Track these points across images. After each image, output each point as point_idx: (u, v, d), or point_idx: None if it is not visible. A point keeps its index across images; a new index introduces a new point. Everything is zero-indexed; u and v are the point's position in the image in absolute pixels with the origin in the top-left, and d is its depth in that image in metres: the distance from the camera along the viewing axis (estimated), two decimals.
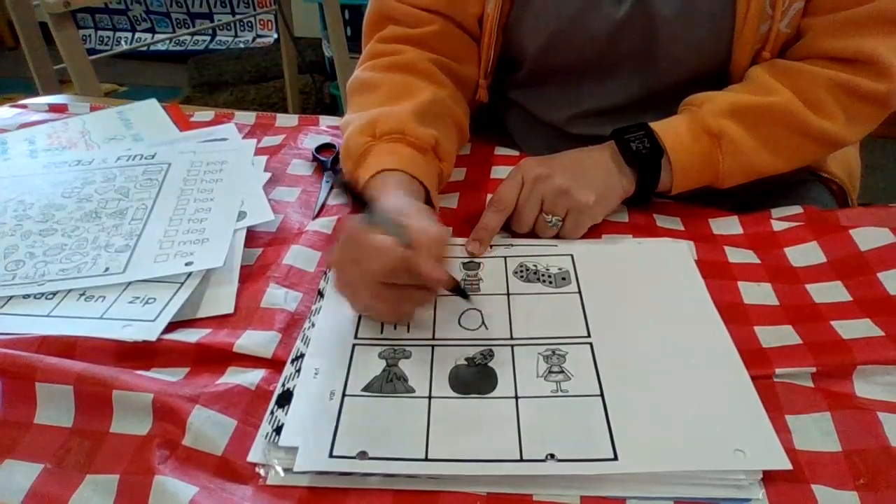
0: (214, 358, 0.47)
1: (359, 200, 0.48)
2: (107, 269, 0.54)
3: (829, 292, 0.52)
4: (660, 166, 0.59)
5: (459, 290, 0.49)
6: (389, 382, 0.44)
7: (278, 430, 0.41)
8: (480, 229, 0.57)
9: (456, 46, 0.70)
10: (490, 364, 0.46)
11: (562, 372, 0.45)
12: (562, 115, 0.73)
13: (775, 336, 0.48)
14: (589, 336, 0.48)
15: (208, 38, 3.03)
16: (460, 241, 0.59)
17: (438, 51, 0.68)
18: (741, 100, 0.59)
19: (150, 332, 0.48)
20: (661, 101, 0.66)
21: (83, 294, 0.52)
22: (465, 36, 0.70)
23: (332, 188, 0.67)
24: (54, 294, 0.52)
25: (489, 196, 0.65)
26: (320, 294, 0.52)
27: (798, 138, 0.60)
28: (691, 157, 0.59)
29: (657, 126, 0.60)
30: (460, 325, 0.49)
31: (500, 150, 0.73)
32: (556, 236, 0.59)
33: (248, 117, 0.81)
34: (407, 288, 0.46)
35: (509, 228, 0.60)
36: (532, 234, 0.59)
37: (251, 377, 0.45)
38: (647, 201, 0.63)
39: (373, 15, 0.71)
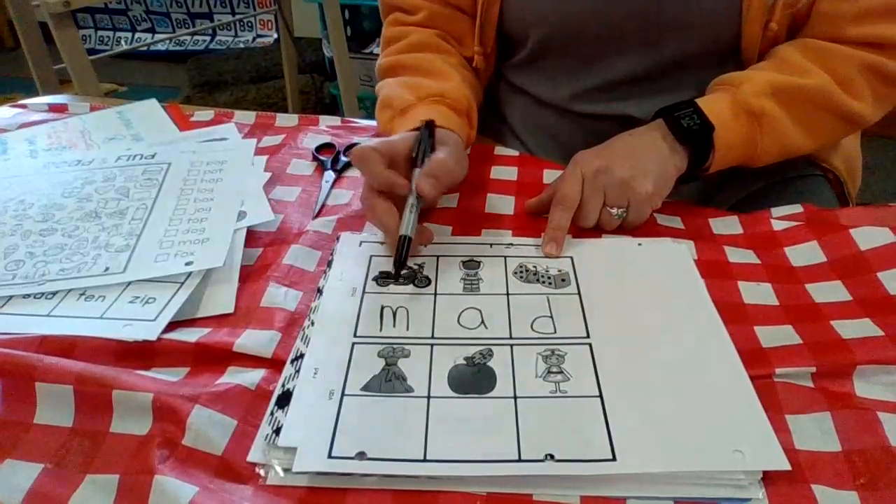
0: (214, 358, 0.47)
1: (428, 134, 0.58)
2: (107, 269, 0.54)
3: (829, 292, 0.52)
4: (711, 142, 0.59)
5: (400, 253, 0.52)
6: (388, 382, 0.44)
7: (278, 431, 0.41)
8: (553, 230, 0.57)
9: (453, 27, 0.74)
10: (489, 364, 0.46)
11: (561, 372, 0.45)
12: (565, 93, 0.73)
13: (775, 336, 0.48)
14: (588, 337, 0.48)
15: (208, 38, 3.03)
16: (460, 240, 0.59)
17: (439, 32, 0.74)
18: (780, 80, 0.60)
19: (150, 331, 0.48)
20: (669, 76, 0.66)
21: (83, 294, 0.52)
22: (460, 15, 0.73)
23: (332, 187, 0.67)
24: (54, 294, 0.52)
25: (489, 196, 0.65)
26: (319, 292, 0.52)
27: (832, 119, 0.61)
28: (733, 136, 0.59)
29: (701, 102, 0.60)
30: (459, 324, 0.49)
31: (500, 150, 0.73)
32: (620, 227, 0.59)
33: (248, 117, 0.81)
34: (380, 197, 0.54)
35: (495, 227, 0.60)
36: (596, 227, 0.59)
37: (251, 377, 0.45)
38: (695, 178, 0.63)
39: (381, 3, 0.78)
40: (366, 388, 0.44)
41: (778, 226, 0.60)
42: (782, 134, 0.60)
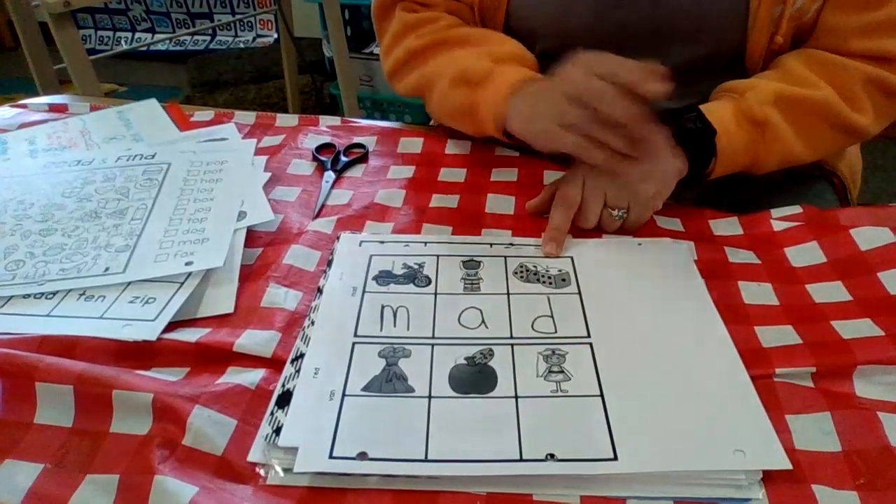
0: (214, 357, 0.47)
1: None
2: (107, 269, 0.54)
3: (829, 292, 0.52)
4: (714, 146, 0.59)
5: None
6: (389, 382, 0.44)
7: (278, 431, 0.41)
8: (553, 230, 0.57)
9: (470, 21, 0.73)
10: (490, 363, 0.46)
11: (562, 372, 0.45)
12: None
13: (775, 336, 0.48)
14: (589, 336, 0.48)
15: (208, 38, 3.03)
16: (460, 240, 0.59)
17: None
18: (785, 90, 0.60)
19: (150, 331, 0.48)
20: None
21: (83, 294, 0.52)
22: (470, 11, 0.72)
23: (332, 187, 0.67)
24: (54, 294, 0.52)
25: (489, 196, 0.65)
26: (319, 291, 0.52)
27: (833, 131, 0.62)
28: (735, 142, 0.60)
29: (705, 108, 0.60)
30: (460, 324, 0.49)
31: (501, 152, 0.73)
32: (620, 228, 0.59)
33: (248, 117, 0.81)
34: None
35: (490, 227, 0.59)
36: (597, 228, 0.59)
37: (251, 377, 0.45)
38: (698, 182, 0.63)
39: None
40: (367, 388, 0.44)
41: (778, 226, 0.60)
42: (784, 143, 0.60)
